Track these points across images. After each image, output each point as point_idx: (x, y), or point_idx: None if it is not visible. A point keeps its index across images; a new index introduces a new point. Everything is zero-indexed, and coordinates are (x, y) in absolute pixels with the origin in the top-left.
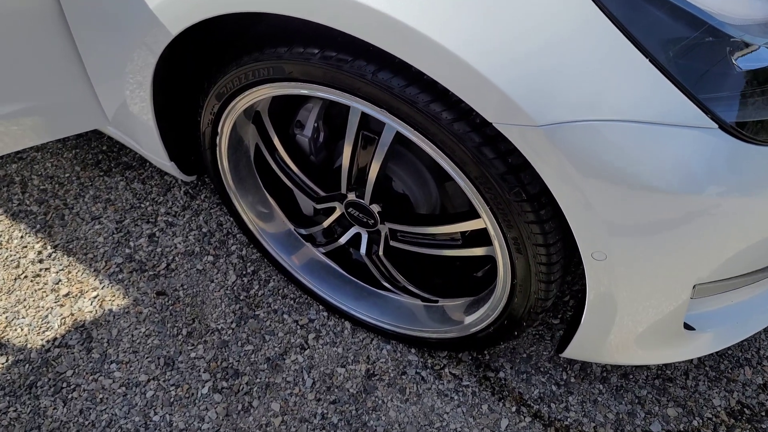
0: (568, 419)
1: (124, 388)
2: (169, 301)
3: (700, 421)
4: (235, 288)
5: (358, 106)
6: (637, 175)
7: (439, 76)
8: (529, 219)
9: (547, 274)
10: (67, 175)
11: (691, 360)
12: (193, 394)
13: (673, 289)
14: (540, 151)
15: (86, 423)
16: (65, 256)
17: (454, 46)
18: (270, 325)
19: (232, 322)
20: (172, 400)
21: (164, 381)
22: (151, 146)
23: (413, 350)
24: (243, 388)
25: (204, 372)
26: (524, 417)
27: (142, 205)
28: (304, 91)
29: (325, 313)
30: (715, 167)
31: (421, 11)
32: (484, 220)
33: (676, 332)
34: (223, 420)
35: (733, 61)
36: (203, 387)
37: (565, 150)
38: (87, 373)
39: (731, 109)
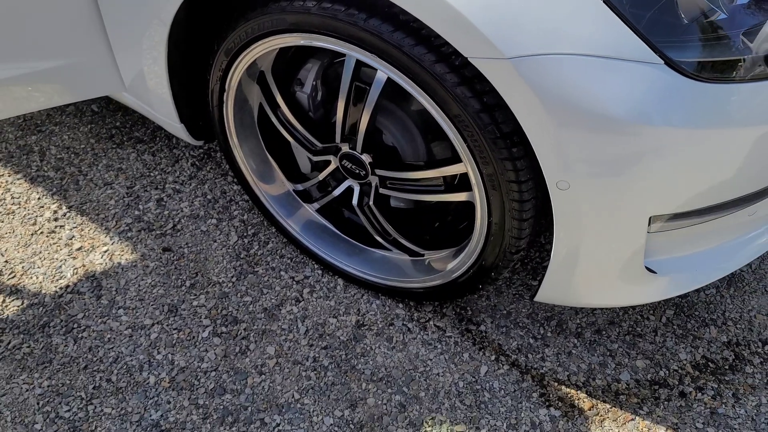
0: (544, 368)
1: (130, 330)
2: (174, 257)
3: (667, 372)
4: (236, 247)
5: (352, 53)
6: (590, 105)
7: (419, 13)
8: (503, 156)
9: (520, 212)
10: (82, 146)
11: (660, 318)
12: (194, 337)
13: (630, 220)
14: (508, 82)
15: (94, 359)
16: (79, 216)
17: None
18: (268, 280)
19: (232, 277)
20: (174, 341)
21: (167, 325)
22: (163, 109)
23: (401, 305)
24: (241, 333)
25: (205, 318)
26: (503, 365)
27: (152, 174)
28: (303, 42)
29: (320, 271)
30: (660, 100)
31: None
32: (463, 159)
33: (637, 271)
34: (221, 360)
35: (681, 15)
36: (204, 331)
37: (529, 81)
38: (96, 316)
39: (676, 51)
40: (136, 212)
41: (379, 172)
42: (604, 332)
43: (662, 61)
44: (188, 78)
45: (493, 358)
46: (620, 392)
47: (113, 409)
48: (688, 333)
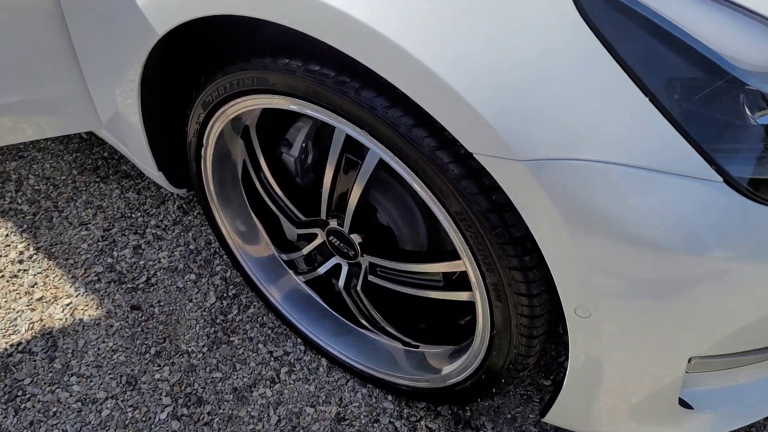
0: None
1: (80, 404)
2: (143, 317)
3: None
4: (213, 310)
5: (341, 126)
6: (626, 225)
7: (423, 100)
8: (512, 264)
9: (529, 328)
10: (63, 177)
11: None
12: (150, 418)
13: (665, 360)
14: (521, 188)
15: None
16: (46, 260)
17: (441, 71)
18: (243, 353)
19: (204, 346)
20: (127, 422)
21: (123, 401)
22: (139, 153)
23: (390, 397)
24: (204, 417)
25: (166, 396)
26: None
27: (133, 215)
28: (286, 106)
29: (302, 347)
30: (717, 226)
31: (407, 30)
32: (464, 261)
33: (669, 409)
34: None
35: (747, 113)
36: (162, 412)
37: (548, 189)
38: (45, 384)
39: (740, 163)
40: (109, 260)
41: (368, 257)
42: None
43: (721, 179)
44: (166, 122)
45: None
46: None
47: None
48: None
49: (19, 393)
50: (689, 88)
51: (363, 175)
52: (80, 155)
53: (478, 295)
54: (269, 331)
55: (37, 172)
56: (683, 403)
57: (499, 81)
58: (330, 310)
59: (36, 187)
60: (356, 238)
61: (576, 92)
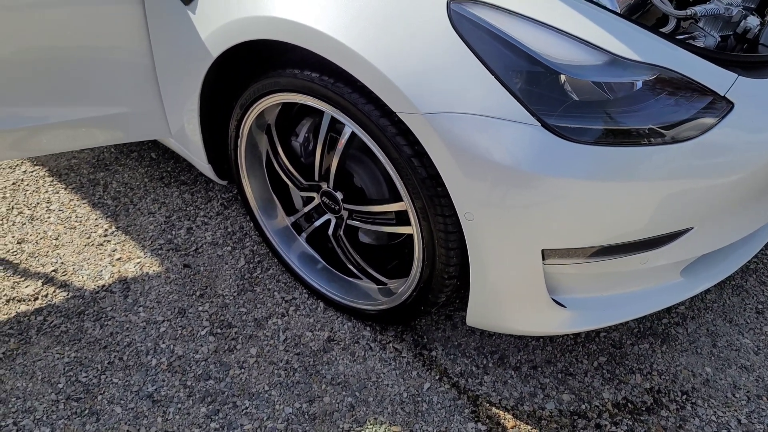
0: (480, 391)
1: (145, 323)
2: (192, 272)
3: (588, 406)
4: (242, 270)
5: (325, 109)
6: (484, 152)
7: (361, 76)
8: (430, 193)
9: (446, 241)
10: (137, 183)
11: (593, 363)
12: (194, 334)
13: (524, 251)
14: (424, 133)
15: (113, 342)
16: (123, 235)
17: (370, 56)
18: (263, 297)
19: (234, 292)
20: (177, 336)
21: (175, 323)
22: (196, 152)
23: (368, 328)
24: (232, 335)
25: (205, 321)
26: (444, 384)
27: (188, 209)
28: (291, 99)
29: (306, 295)
30: (538, 152)
31: (348, 31)
32: (402, 194)
33: (545, 302)
34: (211, 354)
35: (568, 89)
36: (202, 330)
37: (440, 132)
38: (121, 311)
39: (553, 116)
40: (169, 236)
41: (346, 206)
42: (539, 368)
43: (539, 123)
44: (214, 127)
45: (437, 378)
46: (543, 418)
47: (120, 380)
48: (615, 377)
49: (103, 315)
50: (522, 74)
51: (339, 147)
52: (150, 168)
53: (412, 218)
54: (283, 285)
55: (118, 179)
56: (559, 304)
57: (404, 62)
58: (326, 264)
59: (117, 189)
60: (339, 195)
61: (453, 73)
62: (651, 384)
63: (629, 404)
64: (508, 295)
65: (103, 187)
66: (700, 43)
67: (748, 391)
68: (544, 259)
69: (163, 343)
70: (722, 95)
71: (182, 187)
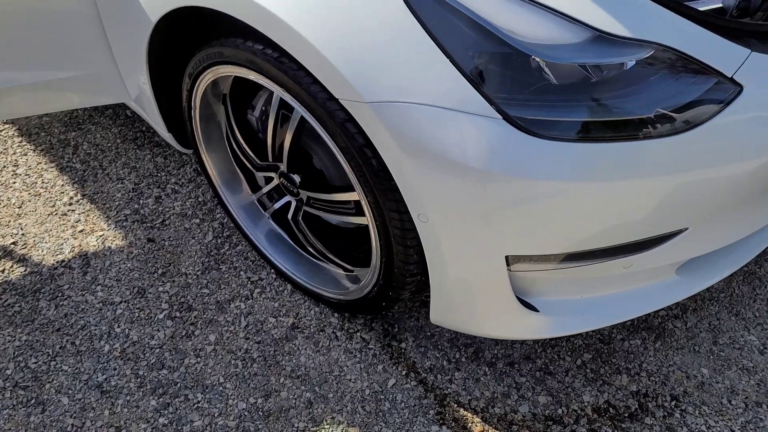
0: (449, 389)
1: (101, 304)
2: (156, 247)
3: (566, 410)
4: (209, 245)
5: (270, 86)
6: (437, 149)
7: (301, 58)
8: (384, 186)
9: (403, 239)
10: (109, 144)
11: (576, 360)
12: (151, 317)
13: (486, 257)
14: (370, 124)
15: (66, 324)
16: (89, 203)
17: (307, 33)
18: (228, 277)
19: (198, 270)
20: (134, 319)
21: (133, 304)
22: (155, 119)
23: (336, 315)
24: (191, 319)
25: (165, 303)
26: (411, 381)
27: (159, 174)
28: (236, 73)
29: (274, 275)
30: (498, 149)
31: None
32: (354, 186)
33: (511, 306)
34: (168, 340)
35: (538, 72)
36: (161, 314)
37: (387, 124)
38: (78, 289)
39: (515, 106)
40: (136, 206)
41: (302, 191)
42: (516, 365)
43: (500, 117)
44: (171, 92)
45: (404, 373)
46: (515, 422)
47: (70, 367)
48: (599, 377)
49: (60, 294)
50: (484, 57)
51: (292, 124)
52: (124, 128)
53: (367, 212)
54: (251, 263)
55: (90, 140)
56: (531, 307)
57: (347, 42)
58: (294, 245)
59: (88, 152)
60: (296, 178)
61: (403, 56)
62: (638, 386)
63: (611, 409)
64: (472, 298)
65: (73, 148)
66: (717, 3)
67: (746, 397)
68: (509, 264)
69: (119, 326)
70: (729, 76)
71: (155, 149)
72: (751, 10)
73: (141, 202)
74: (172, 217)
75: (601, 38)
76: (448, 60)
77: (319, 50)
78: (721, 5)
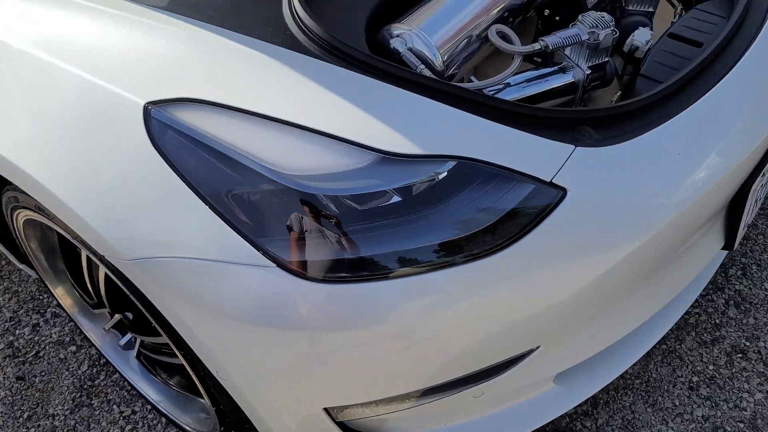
0: None
1: None
2: (25, 386)
3: None
4: (83, 377)
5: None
6: (212, 304)
7: (59, 214)
8: (179, 337)
9: (219, 388)
10: None
11: None
12: None
13: (302, 409)
14: (139, 281)
15: None
16: None
17: (54, 187)
18: (99, 414)
19: (67, 409)
20: None
21: None
22: (3, 249)
23: None
24: None
25: None
26: None
27: (41, 297)
28: (32, 216)
29: (149, 407)
30: (276, 300)
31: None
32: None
33: None
34: None
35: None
36: None
37: (154, 281)
38: None
39: (288, 249)
40: (11, 338)
41: (131, 332)
42: None
43: (274, 264)
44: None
45: None
46: None
47: None
48: None
49: None
50: (238, 193)
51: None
52: None
53: (180, 357)
54: (126, 394)
55: None
56: None
57: (100, 194)
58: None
59: None
60: (130, 315)
61: (159, 204)
62: None
63: None
64: None
65: None
66: (568, 78)
67: None
68: (333, 415)
69: None
70: (548, 181)
71: None
72: (608, 79)
73: (17, 332)
74: (47, 347)
75: (387, 160)
76: (204, 204)
77: (71, 207)
78: (572, 80)
